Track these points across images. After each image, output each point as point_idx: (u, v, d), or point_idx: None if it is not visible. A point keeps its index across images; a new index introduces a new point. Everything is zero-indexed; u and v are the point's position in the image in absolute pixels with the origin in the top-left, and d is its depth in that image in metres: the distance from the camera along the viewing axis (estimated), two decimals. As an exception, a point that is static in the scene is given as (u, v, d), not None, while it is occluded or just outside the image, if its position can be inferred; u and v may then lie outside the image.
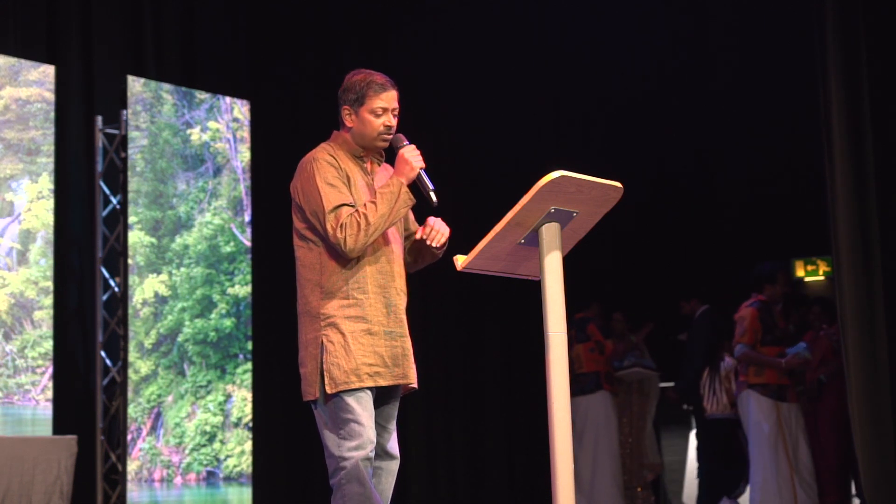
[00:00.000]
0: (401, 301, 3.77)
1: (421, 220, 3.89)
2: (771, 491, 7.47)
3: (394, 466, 3.82)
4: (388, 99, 3.76)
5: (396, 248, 3.80)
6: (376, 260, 3.71)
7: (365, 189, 3.75)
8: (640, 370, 8.83)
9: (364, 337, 3.65)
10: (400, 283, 3.78)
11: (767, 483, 7.48)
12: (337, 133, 3.84)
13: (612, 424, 8.56)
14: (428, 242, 3.77)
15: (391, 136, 3.78)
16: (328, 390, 3.60)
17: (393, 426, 3.82)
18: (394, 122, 3.77)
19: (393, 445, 3.81)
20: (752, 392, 7.58)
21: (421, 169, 3.71)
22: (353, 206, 3.66)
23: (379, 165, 3.88)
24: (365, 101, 3.74)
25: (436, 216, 3.82)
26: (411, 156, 3.70)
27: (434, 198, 3.70)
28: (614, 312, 9.06)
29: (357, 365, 3.62)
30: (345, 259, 3.66)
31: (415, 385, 3.82)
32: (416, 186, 3.73)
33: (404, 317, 3.78)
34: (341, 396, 3.60)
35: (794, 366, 7.54)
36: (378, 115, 3.74)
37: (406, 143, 3.76)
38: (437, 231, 3.77)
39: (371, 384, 3.64)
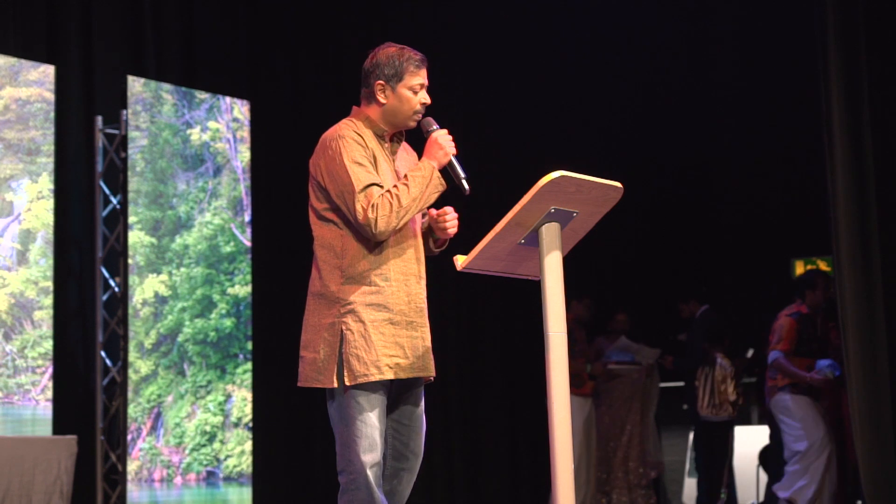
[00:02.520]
0: (421, 289, 3.60)
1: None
2: (820, 483, 7.54)
3: (417, 465, 3.67)
4: (424, 76, 3.61)
5: (419, 236, 3.63)
6: (400, 248, 3.55)
7: (388, 170, 3.59)
8: (617, 367, 8.79)
9: (385, 326, 3.49)
10: (421, 270, 3.62)
11: (817, 475, 7.54)
12: (358, 109, 3.66)
13: (577, 426, 8.53)
14: (439, 224, 3.62)
15: (422, 116, 3.63)
16: (347, 382, 3.45)
17: (417, 422, 3.66)
18: (429, 100, 3.63)
19: (419, 443, 3.67)
20: (787, 393, 7.63)
21: (453, 155, 3.57)
22: (381, 186, 3.48)
23: (398, 144, 3.70)
24: (404, 77, 3.58)
25: (467, 203, 3.68)
26: (444, 140, 3.56)
27: (466, 185, 3.55)
28: (617, 314, 9.03)
29: (378, 356, 3.46)
30: (369, 243, 3.49)
31: (433, 375, 3.67)
32: (446, 173, 3.57)
33: (425, 305, 3.62)
34: (353, 392, 3.46)
35: (819, 383, 7.55)
36: (416, 93, 3.59)
37: (436, 126, 3.62)
38: (453, 217, 3.63)
39: (391, 376, 3.49)
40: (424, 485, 8.90)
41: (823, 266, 10.13)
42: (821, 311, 7.79)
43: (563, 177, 3.22)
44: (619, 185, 3.39)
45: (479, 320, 9.38)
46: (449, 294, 8.98)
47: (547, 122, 9.70)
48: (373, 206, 3.42)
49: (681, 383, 9.06)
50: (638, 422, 8.80)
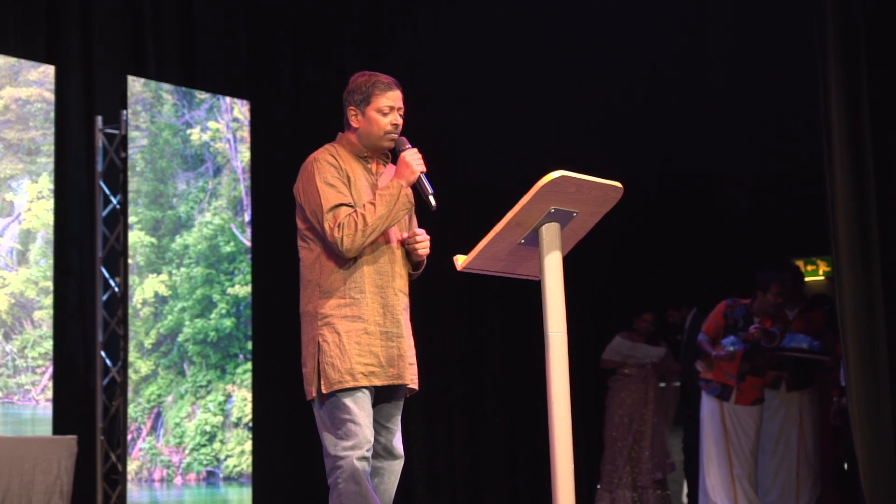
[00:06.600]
0: (399, 302, 3.78)
1: (421, 224, 3.92)
2: (715, 486, 7.56)
3: (397, 466, 3.84)
4: (394, 98, 3.80)
5: (398, 250, 3.81)
6: (375, 260, 3.73)
7: (367, 189, 3.78)
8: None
9: (361, 336, 3.67)
10: (399, 284, 3.79)
11: (712, 479, 7.58)
12: (341, 135, 3.87)
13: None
14: (410, 245, 3.82)
15: (397, 136, 3.81)
16: (323, 390, 3.64)
17: (395, 425, 3.84)
18: (400, 120, 3.81)
19: (396, 444, 3.84)
20: (702, 388, 7.72)
21: (422, 172, 3.74)
22: (351, 206, 3.68)
23: (384, 166, 3.90)
24: (371, 101, 3.78)
25: (434, 218, 3.86)
26: (413, 159, 3.74)
27: (433, 202, 3.74)
28: (644, 313, 8.95)
29: (351, 365, 3.64)
30: (343, 259, 3.69)
31: (414, 387, 3.84)
32: (416, 190, 3.76)
33: (402, 317, 3.79)
34: (338, 396, 3.63)
35: (723, 360, 7.57)
36: (385, 114, 3.78)
37: (408, 146, 3.79)
38: (424, 239, 3.82)
39: (366, 384, 3.66)
40: (428, 485, 8.90)
41: (824, 266, 10.14)
42: (767, 314, 7.75)
43: (563, 177, 3.22)
44: (619, 185, 3.39)
45: (479, 320, 9.37)
46: (449, 295, 8.98)
47: (547, 122, 9.69)
48: (339, 225, 3.64)
49: (679, 383, 9.07)
50: (652, 423, 8.74)
